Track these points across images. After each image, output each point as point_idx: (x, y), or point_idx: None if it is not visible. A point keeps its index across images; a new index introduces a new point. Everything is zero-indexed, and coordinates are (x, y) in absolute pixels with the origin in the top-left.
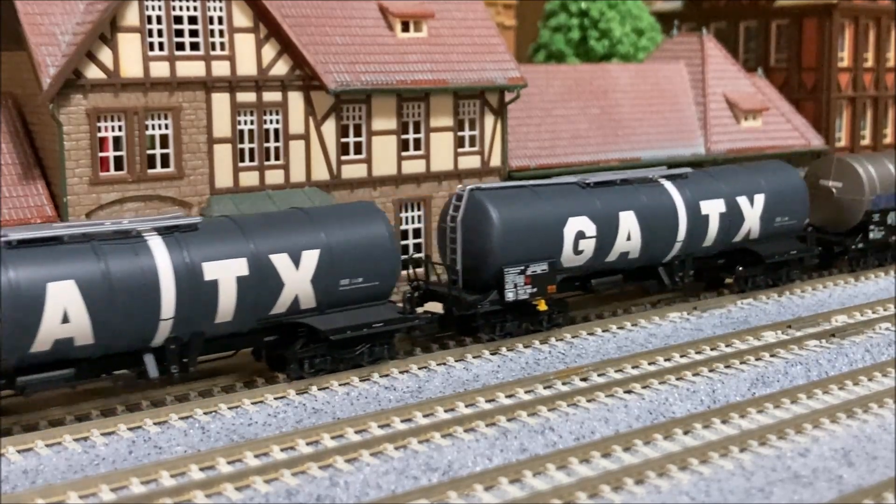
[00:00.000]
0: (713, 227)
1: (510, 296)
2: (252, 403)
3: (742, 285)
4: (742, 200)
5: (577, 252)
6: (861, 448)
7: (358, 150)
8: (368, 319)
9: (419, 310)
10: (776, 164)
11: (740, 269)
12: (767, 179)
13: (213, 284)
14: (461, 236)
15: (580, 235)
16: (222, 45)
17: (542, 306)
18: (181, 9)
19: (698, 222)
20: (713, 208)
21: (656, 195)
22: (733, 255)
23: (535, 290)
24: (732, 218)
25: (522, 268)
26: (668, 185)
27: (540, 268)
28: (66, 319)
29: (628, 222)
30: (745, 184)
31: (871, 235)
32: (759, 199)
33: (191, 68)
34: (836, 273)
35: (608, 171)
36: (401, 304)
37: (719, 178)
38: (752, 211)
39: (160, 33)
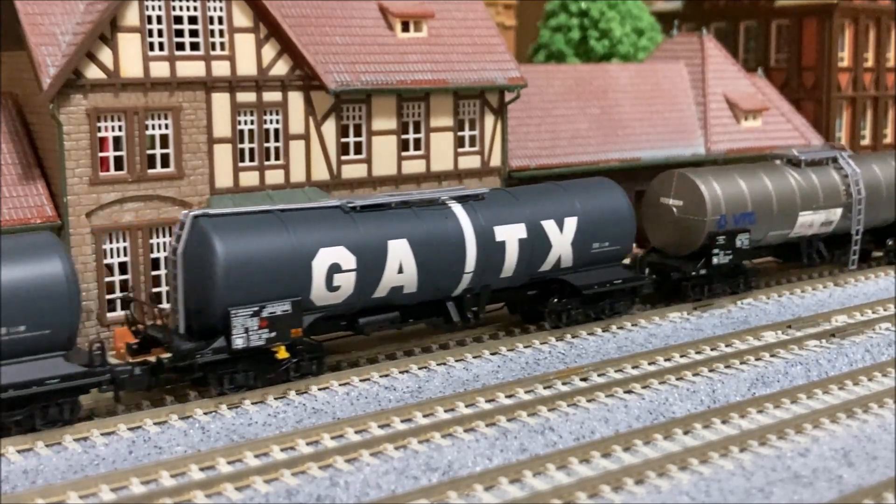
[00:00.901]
0: (511, 255)
1: (239, 342)
2: (252, 403)
3: (555, 320)
4: (548, 225)
5: (331, 288)
6: (861, 448)
7: (358, 150)
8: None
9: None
10: (598, 183)
11: (554, 300)
12: (583, 200)
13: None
14: (182, 272)
15: (335, 269)
16: (222, 45)
17: (282, 353)
18: (181, 9)
19: (492, 250)
20: (511, 234)
21: (439, 220)
22: (548, 285)
23: (273, 334)
24: (536, 245)
25: (256, 308)
26: (457, 207)
27: (280, 308)
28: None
29: (399, 252)
30: (554, 206)
31: (715, 260)
32: (571, 222)
33: (191, 68)
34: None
35: (386, 195)
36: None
37: (523, 199)
38: (562, 237)
39: (160, 33)
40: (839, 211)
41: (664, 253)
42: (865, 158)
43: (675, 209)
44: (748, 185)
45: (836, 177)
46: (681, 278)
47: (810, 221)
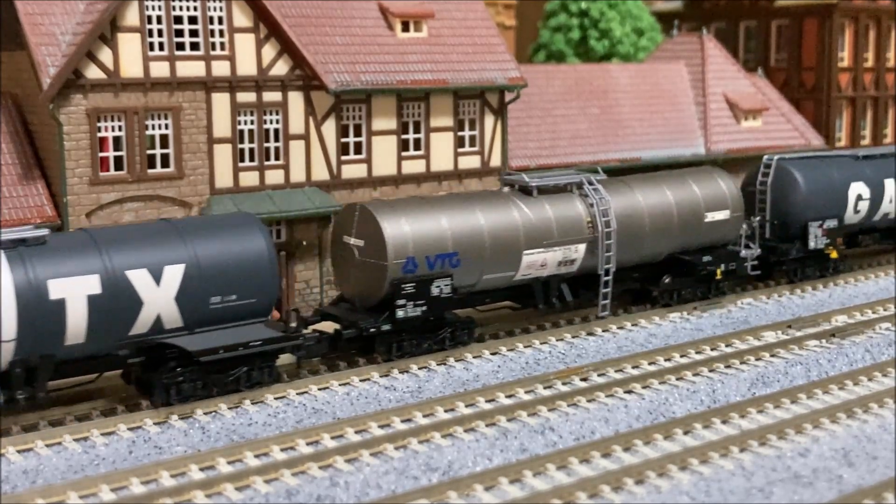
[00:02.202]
0: (77, 321)
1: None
2: (252, 403)
3: (163, 397)
4: (138, 275)
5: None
6: (861, 448)
7: (358, 150)
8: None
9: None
10: (218, 220)
11: (171, 370)
12: (196, 240)
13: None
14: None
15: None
16: (222, 45)
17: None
18: (181, 9)
19: (43, 310)
20: (71, 290)
21: None
22: (155, 350)
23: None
24: (119, 303)
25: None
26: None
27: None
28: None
29: None
30: (153, 246)
31: (401, 313)
32: (175, 271)
33: (191, 68)
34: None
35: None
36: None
37: (101, 239)
38: (160, 290)
39: (160, 33)
40: (583, 247)
41: (352, 303)
42: (649, 180)
43: (356, 250)
44: (452, 220)
45: (579, 207)
46: (357, 336)
47: (542, 261)
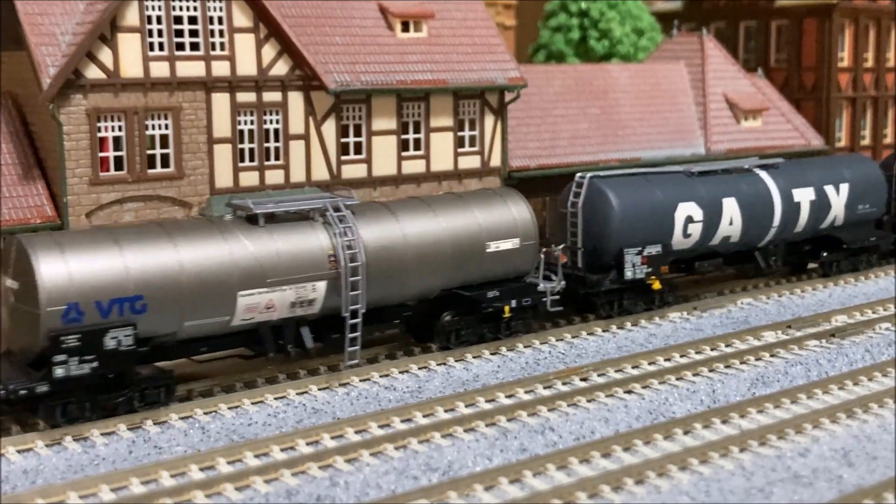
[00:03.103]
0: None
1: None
2: (252, 403)
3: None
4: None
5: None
6: (861, 448)
7: (358, 150)
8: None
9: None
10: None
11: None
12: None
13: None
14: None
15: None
16: (222, 45)
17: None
18: (181, 9)
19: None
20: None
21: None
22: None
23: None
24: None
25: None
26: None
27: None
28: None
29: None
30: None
31: (60, 372)
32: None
33: (191, 68)
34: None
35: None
36: None
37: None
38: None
39: (160, 33)
40: (322, 285)
41: (15, 359)
42: (419, 205)
43: (12, 294)
44: (136, 256)
45: (320, 238)
46: (5, 398)
47: (267, 302)
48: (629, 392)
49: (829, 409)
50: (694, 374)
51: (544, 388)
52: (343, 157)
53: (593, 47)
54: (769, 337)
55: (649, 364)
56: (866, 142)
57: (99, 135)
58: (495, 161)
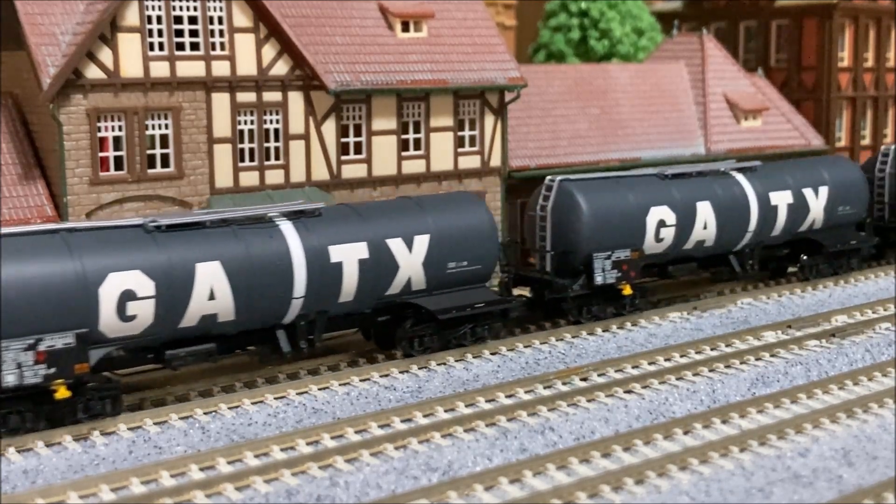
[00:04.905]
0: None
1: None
2: (252, 403)
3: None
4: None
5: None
6: (861, 448)
7: (358, 150)
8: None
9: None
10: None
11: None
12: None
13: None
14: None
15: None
16: (222, 45)
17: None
18: (181, 9)
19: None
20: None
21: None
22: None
23: None
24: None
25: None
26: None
27: None
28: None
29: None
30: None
31: None
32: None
33: (191, 68)
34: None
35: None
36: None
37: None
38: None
39: (160, 33)
40: None
41: None
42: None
43: None
44: None
45: None
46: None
47: None
48: (629, 392)
49: (829, 409)
50: (694, 374)
51: (544, 388)
52: (343, 157)
53: (593, 47)
54: (769, 337)
55: (649, 364)
56: (866, 142)
57: (99, 135)
58: (495, 161)
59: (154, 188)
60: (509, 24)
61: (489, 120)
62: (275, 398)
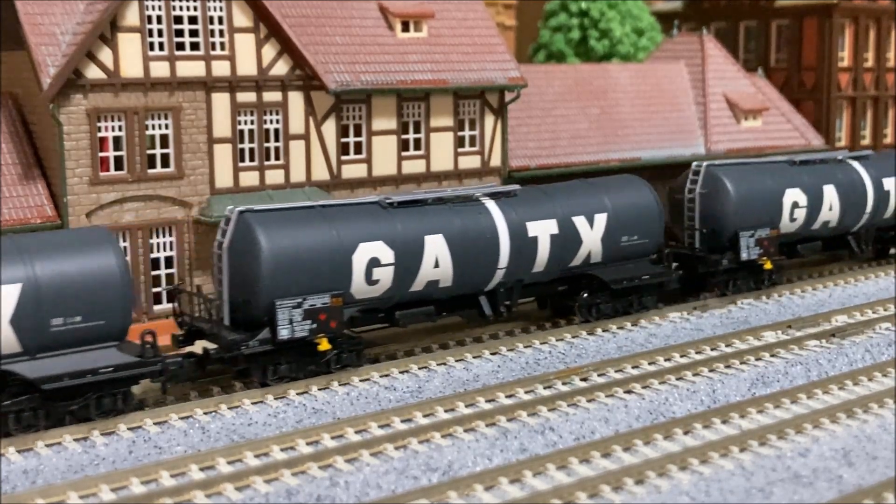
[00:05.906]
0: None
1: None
2: (252, 403)
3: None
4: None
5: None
6: (861, 448)
7: (358, 150)
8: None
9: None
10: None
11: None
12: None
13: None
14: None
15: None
16: (222, 45)
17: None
18: (181, 9)
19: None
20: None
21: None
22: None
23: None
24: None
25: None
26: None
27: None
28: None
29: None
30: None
31: None
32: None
33: (191, 68)
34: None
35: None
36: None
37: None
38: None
39: (160, 33)
40: None
41: None
42: None
43: None
44: None
45: None
46: None
47: None
48: (629, 392)
49: (829, 409)
50: (694, 374)
51: (544, 388)
52: (343, 157)
53: (593, 47)
54: (769, 337)
55: (649, 364)
56: (866, 142)
57: (99, 135)
58: (495, 161)
59: (154, 188)
60: (509, 24)
61: (489, 120)
62: (275, 398)
